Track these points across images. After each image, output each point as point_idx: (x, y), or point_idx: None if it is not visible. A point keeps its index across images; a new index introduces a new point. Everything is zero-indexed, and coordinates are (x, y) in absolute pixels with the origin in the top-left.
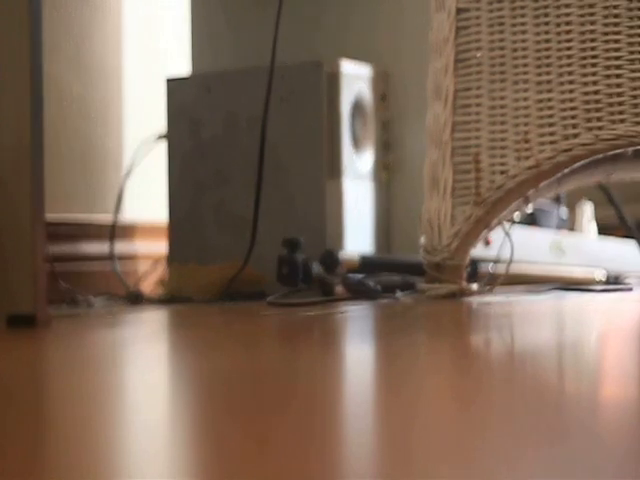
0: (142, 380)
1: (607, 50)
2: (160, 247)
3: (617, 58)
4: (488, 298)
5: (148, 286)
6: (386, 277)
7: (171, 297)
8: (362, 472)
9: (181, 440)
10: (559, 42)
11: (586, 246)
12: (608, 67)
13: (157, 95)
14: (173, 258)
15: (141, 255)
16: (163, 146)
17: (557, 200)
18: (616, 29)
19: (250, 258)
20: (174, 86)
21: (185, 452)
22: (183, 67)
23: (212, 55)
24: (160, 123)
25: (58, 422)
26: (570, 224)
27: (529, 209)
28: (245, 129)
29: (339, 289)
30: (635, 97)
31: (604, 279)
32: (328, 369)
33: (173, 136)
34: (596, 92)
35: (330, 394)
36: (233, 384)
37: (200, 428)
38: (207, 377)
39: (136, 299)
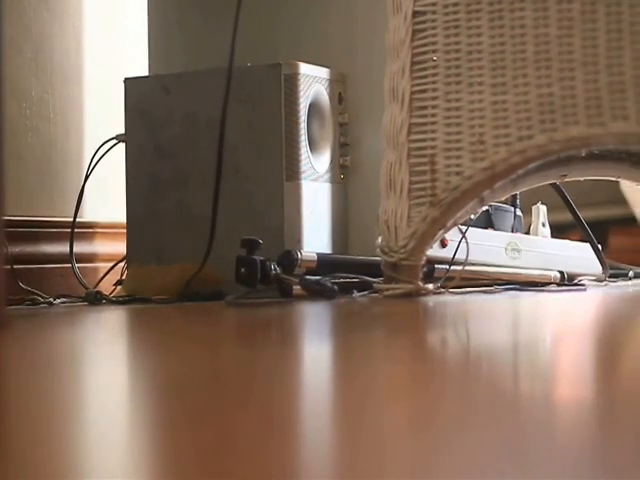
0: (100, 380)
1: (561, 53)
2: (120, 247)
3: (570, 61)
4: (444, 298)
5: (107, 286)
6: (343, 277)
7: (130, 297)
8: (320, 469)
9: (139, 439)
10: (514, 45)
11: (541, 248)
12: (562, 70)
13: (117, 96)
14: (132, 258)
15: (101, 255)
16: (123, 147)
17: (513, 202)
18: (570, 32)
19: (209, 259)
20: (132, 86)
21: (143, 451)
22: (143, 68)
23: (170, 56)
24: (120, 124)
25: (14, 421)
26: (525, 226)
27: (486, 210)
28: (204, 130)
29: (297, 289)
30: (588, 99)
31: (559, 280)
32: (286, 368)
33: (132, 137)
34: (550, 94)
35: (288, 392)
36: (191, 383)
37: (158, 427)
38: (165, 377)
39: (95, 299)
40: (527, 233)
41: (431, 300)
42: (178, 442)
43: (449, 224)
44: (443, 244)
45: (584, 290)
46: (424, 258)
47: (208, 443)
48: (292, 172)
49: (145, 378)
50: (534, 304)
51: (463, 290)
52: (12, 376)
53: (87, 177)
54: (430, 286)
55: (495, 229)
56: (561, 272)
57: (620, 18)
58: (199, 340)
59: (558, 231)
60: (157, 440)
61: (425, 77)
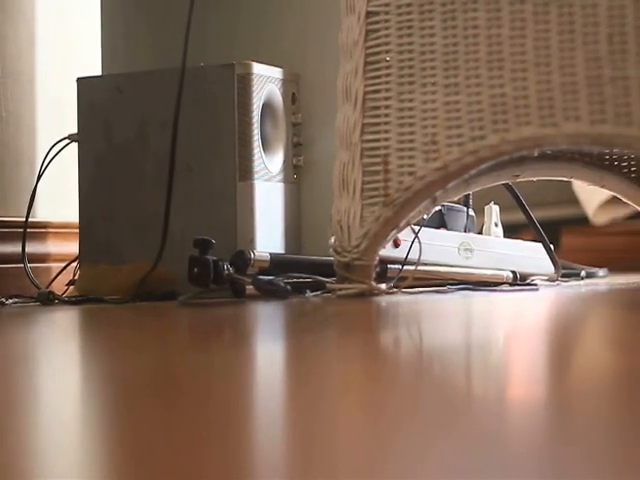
0: (52, 380)
1: (513, 54)
2: (73, 247)
3: (523, 61)
4: (397, 298)
5: (60, 286)
6: (296, 277)
7: (83, 297)
8: (273, 468)
9: (90, 440)
10: (466, 45)
11: (493, 248)
12: (514, 70)
13: (70, 95)
14: (85, 258)
15: (53, 255)
16: (75, 146)
17: (465, 202)
18: (522, 33)
19: (162, 259)
20: (85, 86)
21: (94, 452)
22: (97, 68)
23: (124, 56)
24: (73, 123)
25: None
26: (478, 226)
27: (438, 210)
28: (157, 130)
29: (250, 289)
30: (541, 100)
31: (511, 280)
32: (239, 367)
33: (84, 136)
34: (503, 95)
35: (241, 391)
36: (143, 383)
37: (109, 427)
38: (117, 377)
39: (48, 299)
40: (480, 233)
41: (384, 300)
42: (129, 442)
43: (402, 224)
44: (396, 244)
45: (536, 290)
46: (377, 258)
47: (160, 443)
48: (245, 172)
49: (97, 378)
50: (486, 304)
51: (416, 290)
52: None
53: (40, 177)
54: (383, 286)
55: (448, 229)
56: (513, 272)
57: (572, 19)
58: (151, 340)
59: (511, 231)
60: (108, 440)
61: (378, 77)
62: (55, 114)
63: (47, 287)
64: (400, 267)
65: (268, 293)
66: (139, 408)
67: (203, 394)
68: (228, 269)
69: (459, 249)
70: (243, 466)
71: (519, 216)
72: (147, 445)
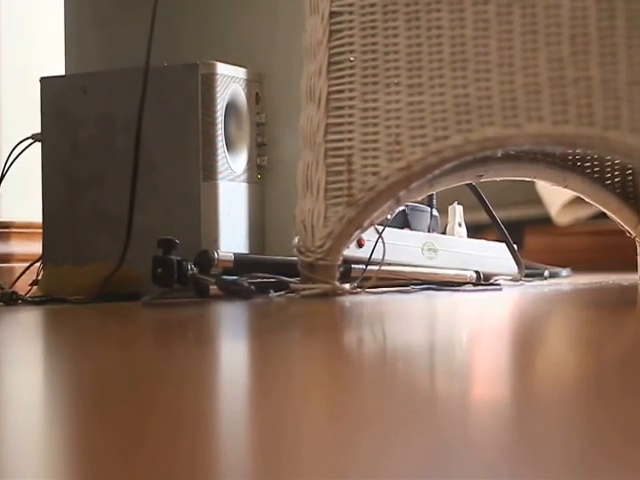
0: (14, 380)
1: (477, 54)
2: (36, 248)
3: (486, 62)
4: (361, 298)
5: (23, 287)
6: (260, 277)
7: (46, 298)
8: (235, 469)
9: (51, 440)
10: (430, 46)
11: (457, 248)
12: (478, 71)
13: (33, 95)
14: (48, 259)
15: (17, 255)
16: (39, 146)
17: (429, 202)
18: (485, 33)
19: (126, 259)
20: (48, 85)
21: (55, 452)
22: (60, 68)
23: (87, 55)
24: (37, 123)
25: None
26: (442, 226)
27: (402, 211)
28: (120, 130)
29: (214, 289)
30: (504, 100)
31: (475, 280)
32: (202, 368)
33: (48, 136)
34: (466, 95)
35: (204, 392)
36: (106, 383)
37: (71, 427)
38: (80, 377)
39: (11, 300)
40: (443, 233)
41: (348, 300)
42: (91, 442)
43: (366, 224)
44: (360, 244)
45: (500, 290)
46: (340, 258)
47: (122, 443)
48: (209, 172)
49: (59, 379)
50: (450, 304)
51: (379, 290)
52: None
53: (3, 177)
54: (347, 286)
55: (411, 229)
56: (477, 272)
57: (535, 20)
58: (115, 340)
59: (474, 231)
60: (69, 440)
61: (342, 77)
62: (18, 114)
63: (10, 287)
64: (364, 267)
65: (232, 293)
66: (101, 408)
67: (166, 394)
68: (192, 269)
69: (423, 249)
70: (205, 466)
71: (483, 216)
72: (108, 445)
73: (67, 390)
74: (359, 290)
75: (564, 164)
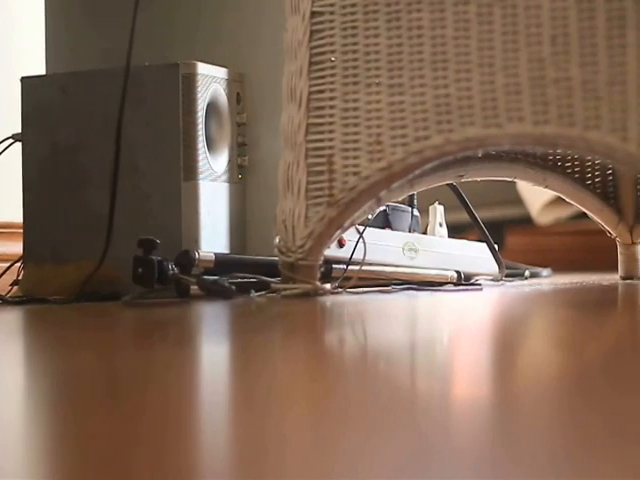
0: None
1: (457, 54)
2: (17, 248)
3: (467, 62)
4: (342, 298)
5: (4, 287)
6: (241, 277)
7: (27, 298)
8: (218, 470)
9: (32, 439)
10: (411, 46)
11: (438, 248)
12: (458, 71)
13: (14, 95)
14: (29, 259)
15: None
16: (19, 146)
17: (410, 202)
18: (466, 34)
19: (107, 259)
20: (29, 85)
21: (36, 451)
22: (41, 67)
23: (68, 55)
24: (17, 123)
25: None
26: (423, 226)
27: (383, 211)
28: (101, 130)
29: (194, 289)
30: (484, 101)
31: (455, 280)
32: (183, 368)
33: (28, 136)
34: (447, 95)
35: (185, 392)
36: (86, 384)
37: (51, 429)
38: (60, 377)
39: None
40: (424, 233)
41: (328, 300)
42: (70, 443)
43: (346, 224)
44: (341, 244)
45: (480, 290)
46: (321, 258)
47: (104, 444)
48: (190, 172)
49: (39, 378)
50: (431, 304)
51: (360, 290)
52: None
53: None
54: (328, 286)
55: (392, 229)
56: (458, 272)
57: (516, 20)
58: (95, 340)
59: (455, 231)
60: (48, 441)
61: (323, 77)
62: None
63: None
64: (345, 267)
65: (213, 293)
66: (81, 408)
67: (146, 394)
68: (173, 269)
69: (404, 249)
70: (187, 466)
71: (464, 216)
72: (89, 445)
73: (46, 391)
74: (340, 290)
75: (545, 164)
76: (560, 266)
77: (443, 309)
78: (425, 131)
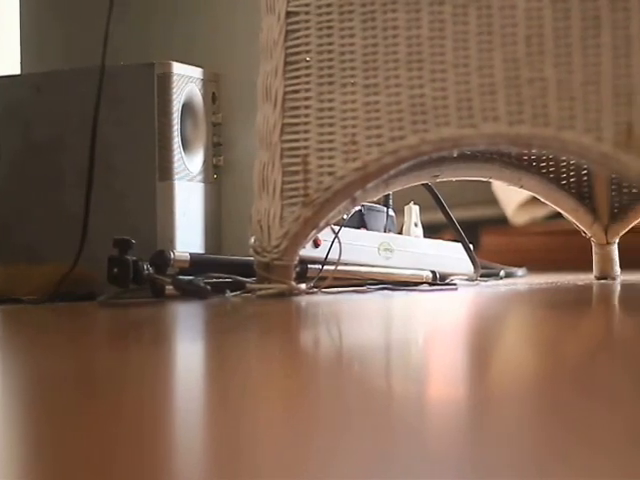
0: None
1: (433, 54)
2: None
3: (442, 62)
4: (317, 298)
5: None
6: (216, 277)
7: (0, 298)
8: (192, 470)
9: (5, 440)
10: (386, 46)
11: (413, 248)
12: (433, 71)
13: None
14: (3, 259)
15: None
16: None
17: (385, 202)
18: (441, 34)
19: (82, 259)
20: (3, 85)
21: (9, 452)
22: (16, 67)
23: (43, 54)
24: None
25: None
26: (398, 226)
27: (358, 211)
28: (76, 129)
29: (170, 289)
30: (459, 101)
31: (431, 279)
32: (158, 368)
33: (3, 135)
34: (422, 95)
35: (160, 392)
36: (60, 384)
37: (25, 429)
38: (33, 377)
39: None
40: (400, 233)
41: (304, 300)
42: (46, 444)
43: (322, 224)
44: (316, 244)
45: (455, 290)
46: (297, 258)
47: (76, 445)
48: (165, 172)
49: (12, 379)
50: (406, 304)
51: (336, 290)
52: None
53: None
54: (303, 286)
55: (368, 229)
56: (433, 272)
57: (491, 21)
58: (69, 341)
59: (431, 231)
60: (23, 441)
61: (298, 77)
62: None
63: None
64: (320, 267)
65: (188, 293)
66: (55, 408)
67: (121, 394)
68: (148, 269)
69: (379, 249)
70: (161, 465)
71: (439, 216)
72: (63, 446)
73: (20, 391)
74: (315, 290)
75: (520, 164)
76: (535, 266)
77: (418, 309)
78: (400, 131)
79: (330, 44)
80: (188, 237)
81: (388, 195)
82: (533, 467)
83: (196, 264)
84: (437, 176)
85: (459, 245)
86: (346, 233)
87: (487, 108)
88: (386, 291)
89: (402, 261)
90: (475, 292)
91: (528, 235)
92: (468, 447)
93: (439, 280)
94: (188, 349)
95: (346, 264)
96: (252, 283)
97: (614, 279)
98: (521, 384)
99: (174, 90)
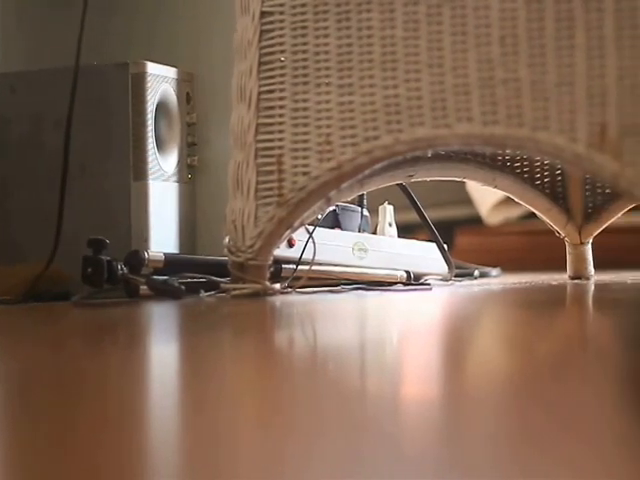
0: None
1: (407, 55)
2: None
3: (416, 62)
4: (291, 298)
5: None
6: (191, 277)
7: None
8: (165, 467)
9: None
10: (360, 46)
11: (388, 248)
12: (408, 71)
13: None
14: None
15: None
16: None
17: (360, 202)
18: (416, 34)
19: (56, 259)
20: None
21: None
22: None
23: (16, 54)
24: None
25: None
26: (372, 226)
27: (333, 210)
28: (50, 129)
29: (144, 289)
30: (434, 101)
31: (405, 279)
32: (132, 368)
33: None
34: (396, 95)
35: (134, 393)
36: (33, 384)
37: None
38: (8, 378)
39: None
40: (374, 233)
41: (278, 300)
42: (17, 443)
43: (296, 224)
44: (290, 244)
45: (430, 289)
46: (271, 258)
47: (50, 444)
48: (139, 172)
49: None
50: (380, 304)
51: (310, 290)
52: None
53: None
54: (277, 286)
55: (342, 229)
56: (407, 272)
57: (465, 21)
58: (43, 340)
59: (405, 231)
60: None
61: (273, 77)
62: None
63: None
64: (294, 267)
65: (162, 293)
66: (29, 409)
67: (95, 395)
68: (122, 269)
69: (353, 249)
70: (136, 466)
71: (413, 216)
72: (38, 448)
73: None
74: (290, 290)
75: (494, 164)
76: (509, 266)
77: (392, 309)
78: (375, 131)
79: (305, 44)
80: (162, 237)
81: (362, 195)
82: (510, 465)
83: (170, 264)
84: (411, 176)
85: (433, 245)
86: (320, 233)
87: (461, 108)
88: (360, 291)
89: (376, 261)
90: (449, 292)
91: (502, 235)
92: (443, 447)
93: (413, 280)
94: (162, 351)
95: (320, 264)
96: (226, 283)
97: (588, 279)
98: (495, 383)
99: (148, 90)
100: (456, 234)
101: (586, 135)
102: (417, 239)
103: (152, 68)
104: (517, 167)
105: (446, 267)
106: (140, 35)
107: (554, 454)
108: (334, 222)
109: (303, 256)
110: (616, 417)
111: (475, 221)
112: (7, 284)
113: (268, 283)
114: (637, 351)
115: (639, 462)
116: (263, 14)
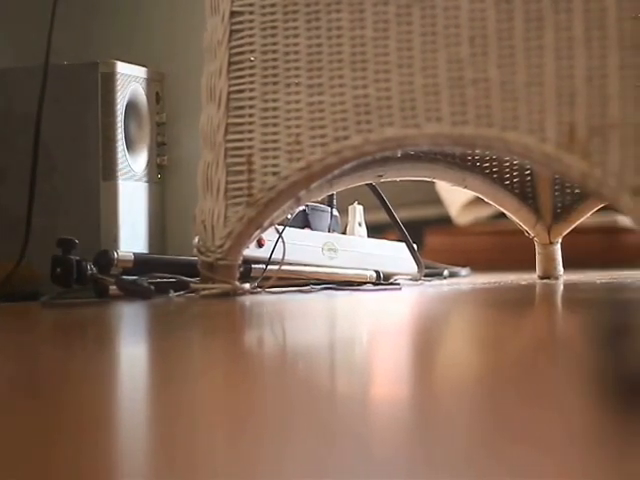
0: None
1: (377, 55)
2: None
3: (386, 63)
4: (261, 298)
5: None
6: (160, 277)
7: None
8: (133, 469)
9: None
10: (330, 46)
11: (357, 248)
12: (377, 71)
13: None
14: None
15: None
16: None
17: (329, 202)
18: (385, 34)
19: (26, 258)
20: None
21: None
22: None
23: None
24: None
25: None
26: (342, 226)
27: (302, 210)
28: (20, 129)
29: (113, 289)
30: (403, 101)
31: (375, 279)
32: (100, 369)
33: None
34: (366, 96)
35: (102, 394)
36: (1, 385)
37: None
38: None
39: None
40: (344, 233)
41: (248, 300)
42: None
43: (266, 224)
44: (260, 244)
45: (399, 289)
46: (241, 258)
47: (18, 444)
48: (109, 172)
49: None
50: (349, 303)
51: (280, 290)
52: None
53: None
54: (247, 286)
55: (312, 229)
56: (377, 271)
57: (434, 21)
58: (10, 341)
59: (375, 231)
60: None
61: (242, 77)
62: None
63: None
64: (264, 267)
65: (131, 293)
66: None
67: (62, 396)
68: (91, 269)
69: (323, 249)
70: (102, 467)
71: (383, 216)
72: (4, 446)
73: None
74: (259, 290)
75: (464, 164)
76: (479, 266)
77: (362, 309)
78: (344, 131)
79: (274, 44)
80: (132, 237)
81: (332, 195)
82: (483, 462)
83: (140, 264)
84: (381, 176)
85: (403, 245)
86: (290, 233)
87: (431, 108)
88: (330, 291)
89: (346, 261)
90: (419, 292)
91: (472, 235)
92: (413, 446)
93: (383, 280)
94: (132, 350)
95: (290, 264)
96: (196, 283)
97: (557, 279)
98: (463, 382)
99: (118, 89)
100: (426, 234)
101: (555, 135)
102: (387, 239)
103: (122, 67)
104: (487, 167)
105: (416, 267)
106: (110, 34)
107: (526, 451)
108: (304, 222)
109: (273, 256)
110: (585, 414)
111: (445, 221)
112: None
113: (238, 283)
114: (605, 350)
115: (609, 458)
116: (233, 14)
